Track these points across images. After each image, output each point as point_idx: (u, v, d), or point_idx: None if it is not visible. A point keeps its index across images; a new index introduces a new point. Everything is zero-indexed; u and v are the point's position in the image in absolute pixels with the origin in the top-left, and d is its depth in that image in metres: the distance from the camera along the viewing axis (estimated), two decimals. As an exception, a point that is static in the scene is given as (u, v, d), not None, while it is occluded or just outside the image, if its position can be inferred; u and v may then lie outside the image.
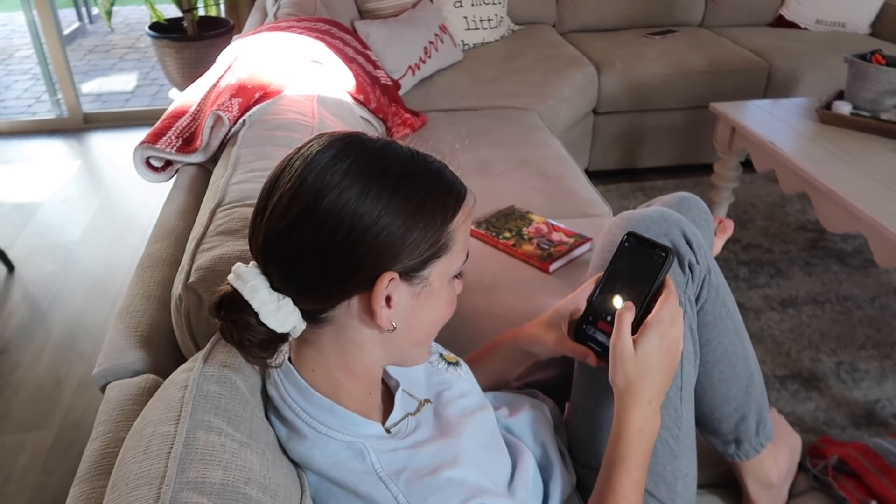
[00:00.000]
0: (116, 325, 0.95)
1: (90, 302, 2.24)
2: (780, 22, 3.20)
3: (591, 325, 0.82)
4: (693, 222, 0.91)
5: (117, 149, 3.27)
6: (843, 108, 2.14)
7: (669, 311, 0.73)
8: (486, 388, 0.96)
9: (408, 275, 0.64)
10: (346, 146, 0.63)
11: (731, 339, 0.90)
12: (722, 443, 0.98)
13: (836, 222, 1.84)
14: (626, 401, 0.75)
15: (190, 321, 0.87)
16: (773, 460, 1.00)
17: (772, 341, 2.01)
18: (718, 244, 1.37)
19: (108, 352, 0.90)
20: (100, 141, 3.36)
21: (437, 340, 0.91)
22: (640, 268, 0.77)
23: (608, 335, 0.77)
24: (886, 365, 1.93)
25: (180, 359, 0.90)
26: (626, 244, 0.79)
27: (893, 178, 1.83)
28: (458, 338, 1.03)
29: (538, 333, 0.87)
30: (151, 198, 2.82)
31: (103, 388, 0.87)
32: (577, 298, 0.84)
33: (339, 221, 0.60)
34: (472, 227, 1.63)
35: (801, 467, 1.10)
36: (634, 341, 0.73)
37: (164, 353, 0.93)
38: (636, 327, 0.75)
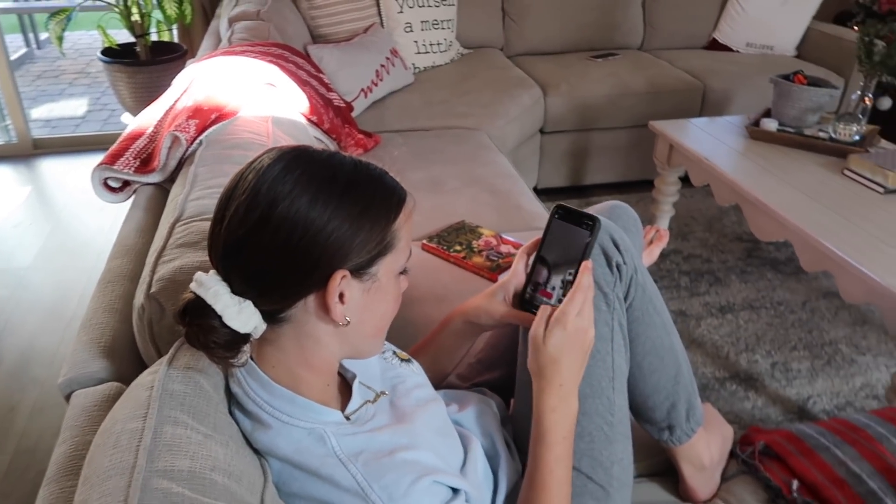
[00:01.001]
0: (80, 337, 0.98)
1: (43, 327, 2.22)
2: (714, 45, 3.39)
3: (532, 294, 0.88)
4: (622, 228, 0.99)
5: (68, 174, 3.24)
6: (770, 124, 2.29)
7: (575, 305, 0.81)
8: (438, 371, 1.03)
9: (358, 272, 0.70)
10: (294, 158, 0.69)
11: (658, 333, 0.98)
12: (656, 430, 1.06)
13: (765, 231, 1.97)
14: (539, 384, 0.83)
15: (152, 329, 0.90)
16: (704, 445, 1.08)
17: (711, 345, 2.12)
18: (655, 252, 1.46)
19: (72, 362, 0.93)
20: (50, 166, 3.33)
21: (390, 342, 0.97)
22: (571, 237, 0.85)
23: (548, 300, 0.83)
24: (817, 364, 2.05)
25: (143, 368, 0.93)
26: (557, 216, 0.86)
27: (816, 188, 1.97)
28: (413, 344, 1.09)
29: (484, 305, 0.94)
30: (105, 222, 2.81)
31: (68, 397, 0.90)
32: (518, 271, 0.91)
33: (293, 227, 0.66)
34: (425, 241, 1.70)
35: (733, 454, 1.18)
36: (545, 332, 0.81)
37: (127, 362, 0.97)
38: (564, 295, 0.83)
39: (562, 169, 2.99)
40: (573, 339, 0.81)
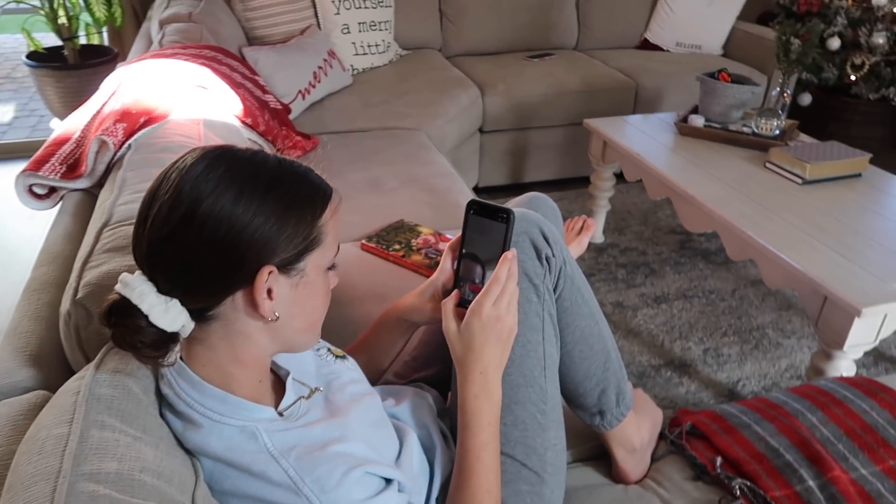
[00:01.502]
0: (4, 347, 0.96)
1: (-30, 341, 2.14)
2: (645, 45, 3.50)
3: (461, 289, 0.91)
4: (543, 216, 1.03)
5: (-5, 182, 3.12)
6: (698, 121, 2.39)
7: (491, 296, 0.84)
8: (375, 369, 1.05)
9: (285, 267, 0.71)
10: (217, 157, 0.70)
11: (587, 321, 1.02)
12: (588, 415, 1.10)
13: (694, 223, 2.05)
14: (460, 373, 0.86)
15: (80, 336, 0.89)
16: (635, 428, 1.13)
17: (648, 334, 2.19)
18: (584, 241, 1.52)
19: (-4, 372, 0.91)
20: (-26, 175, 3.20)
21: (331, 341, 0.98)
22: (490, 231, 0.88)
23: (476, 294, 0.87)
24: (746, 349, 2.15)
25: (71, 375, 0.92)
26: (472, 211, 0.89)
27: (740, 181, 2.06)
28: (353, 341, 1.10)
29: (415, 303, 0.96)
30: (35, 231, 2.71)
31: (-8, 408, 0.88)
32: (445, 268, 0.93)
33: (218, 223, 0.67)
34: (364, 241, 1.71)
35: (662, 436, 1.23)
36: (463, 322, 0.84)
37: (54, 370, 0.95)
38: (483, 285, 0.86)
39: (502, 167, 3.04)
40: (489, 328, 0.83)
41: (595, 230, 1.50)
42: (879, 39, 3.18)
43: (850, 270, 1.60)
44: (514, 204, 1.10)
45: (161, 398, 0.77)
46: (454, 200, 1.99)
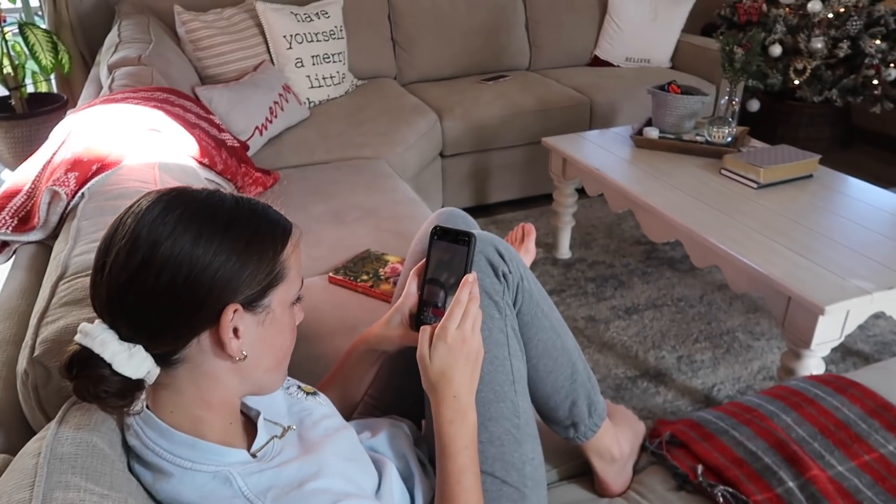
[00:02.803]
0: (-41, 411, 0.92)
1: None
2: (596, 62, 3.57)
3: (427, 315, 0.91)
4: (466, 227, 1.05)
5: (-55, 239, 3.03)
6: (652, 133, 2.43)
7: (454, 319, 0.84)
8: (347, 402, 1.03)
9: (250, 305, 0.70)
10: (172, 199, 0.69)
11: (548, 334, 1.03)
12: (562, 428, 1.10)
13: (657, 233, 2.08)
14: (434, 399, 0.86)
15: (39, 395, 0.86)
16: (613, 438, 1.13)
17: (621, 346, 2.21)
18: (531, 246, 1.55)
19: (-48, 438, 0.87)
20: (-77, 233, 3.10)
21: (304, 378, 0.96)
22: (452, 255, 0.89)
23: (440, 318, 0.87)
24: (718, 353, 2.17)
25: (32, 436, 0.88)
26: (436, 237, 0.91)
27: (697, 189, 2.10)
28: (325, 376, 1.08)
29: (383, 332, 0.96)
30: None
31: (-51, 477, 0.84)
32: (410, 293, 0.94)
33: (178, 266, 0.65)
34: (331, 273, 1.70)
35: (644, 447, 1.23)
36: (430, 349, 0.84)
37: (14, 432, 0.91)
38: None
39: (465, 190, 3.05)
40: (457, 351, 0.83)
41: (534, 233, 1.54)
42: (818, 44, 3.30)
43: (811, 270, 1.63)
44: (432, 220, 1.12)
45: (129, 451, 0.74)
46: (419, 227, 1.99)
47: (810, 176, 2.15)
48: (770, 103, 3.56)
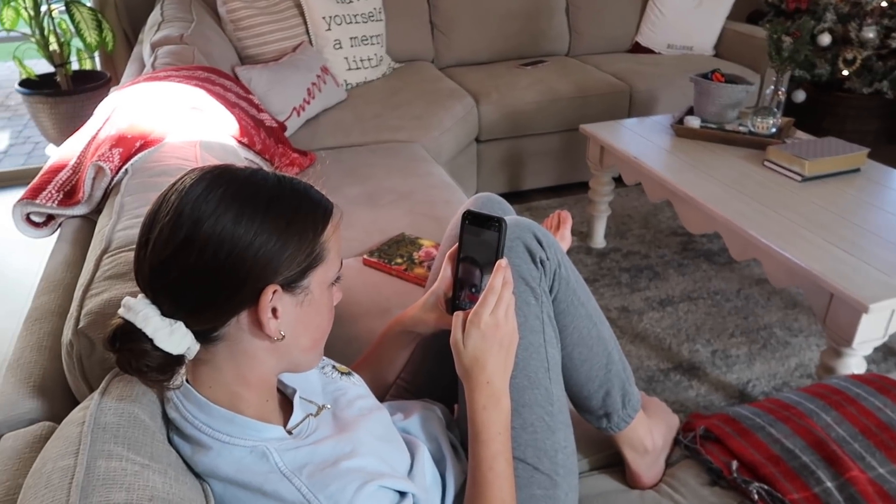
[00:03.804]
0: (7, 379, 0.94)
1: (-28, 373, 2.12)
2: (637, 48, 3.50)
3: (461, 299, 0.91)
4: (502, 212, 1.03)
5: (-9, 212, 3.11)
6: (693, 122, 2.38)
7: (488, 306, 0.84)
8: (381, 383, 1.04)
9: (289, 286, 0.70)
10: (216, 177, 0.69)
11: (584, 323, 1.02)
12: (595, 418, 1.09)
13: (695, 224, 2.04)
14: (468, 385, 0.85)
15: (83, 365, 0.88)
16: (646, 430, 1.11)
17: (654, 338, 2.18)
18: (566, 234, 1.54)
19: (0, 404, 0.90)
20: (-29, 205, 3.19)
21: (337, 359, 0.97)
22: (485, 241, 0.89)
23: (473, 304, 0.87)
24: (754, 349, 2.13)
25: (76, 405, 0.90)
26: (467, 222, 0.90)
27: (739, 180, 2.05)
28: (359, 358, 1.09)
29: (419, 315, 0.97)
30: (32, 261, 2.70)
31: (-4, 442, 0.86)
32: (445, 277, 0.94)
33: (220, 244, 0.66)
34: (366, 256, 1.70)
35: (676, 441, 1.22)
36: (463, 335, 0.84)
37: (59, 401, 0.94)
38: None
39: (499, 176, 3.03)
40: (490, 338, 0.83)
41: (570, 221, 1.53)
42: (869, 34, 3.19)
43: (855, 266, 1.59)
44: (468, 205, 1.11)
45: (168, 423, 0.76)
46: (454, 212, 1.98)
47: (858, 170, 2.08)
48: (817, 94, 3.46)
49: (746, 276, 2.51)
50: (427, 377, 1.12)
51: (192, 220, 0.66)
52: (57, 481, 0.63)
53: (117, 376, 0.78)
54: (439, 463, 0.92)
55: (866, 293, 1.48)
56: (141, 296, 0.69)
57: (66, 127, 3.18)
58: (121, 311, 0.68)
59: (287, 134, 2.42)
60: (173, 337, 0.67)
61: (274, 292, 0.69)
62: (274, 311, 0.70)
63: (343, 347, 1.39)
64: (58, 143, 3.24)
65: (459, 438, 0.99)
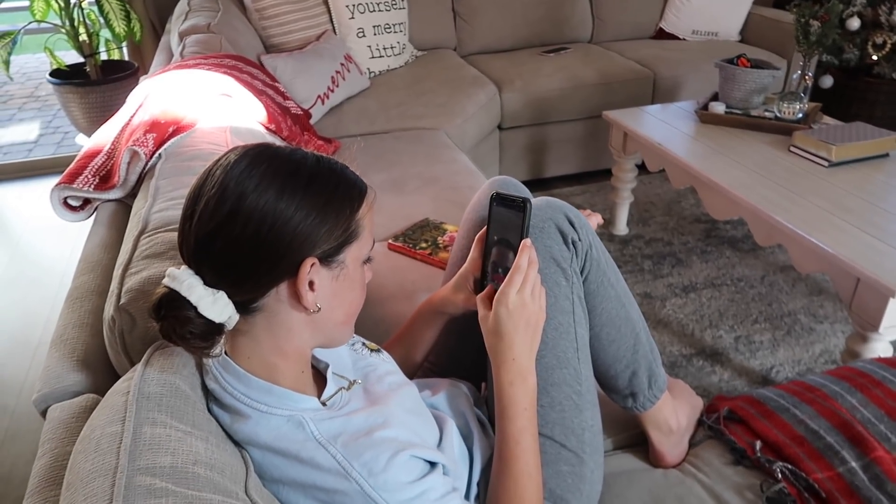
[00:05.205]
0: (51, 354, 0.98)
1: (9, 357, 2.19)
2: (661, 34, 3.48)
3: (489, 279, 0.93)
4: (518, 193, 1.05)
5: (24, 200, 3.19)
6: (718, 108, 2.37)
7: (514, 284, 0.85)
8: (410, 363, 1.07)
9: (326, 259, 0.73)
10: (258, 155, 0.72)
11: (613, 304, 1.03)
12: (621, 398, 1.10)
13: (720, 210, 2.03)
14: (494, 362, 0.88)
15: (124, 341, 0.91)
16: (671, 410, 1.13)
17: (677, 324, 2.18)
18: (591, 220, 1.54)
19: (46, 378, 0.94)
20: (4, 193, 3.27)
21: (367, 338, 1.00)
22: (511, 221, 0.91)
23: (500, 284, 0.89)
24: (778, 335, 2.13)
25: (116, 378, 0.94)
26: (495, 203, 0.92)
27: (764, 166, 2.04)
28: (386, 339, 1.12)
29: (449, 296, 0.99)
30: (65, 247, 2.77)
31: (44, 413, 0.90)
32: (474, 258, 0.96)
33: (263, 218, 0.69)
34: (391, 240, 1.73)
35: (700, 422, 1.23)
36: (491, 313, 0.86)
37: (101, 375, 0.97)
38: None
39: (522, 163, 3.04)
40: (517, 316, 0.85)
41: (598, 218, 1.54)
42: (900, 18, 3.13)
43: (883, 251, 1.58)
44: (486, 188, 1.13)
45: (207, 393, 0.79)
46: (477, 197, 2.00)
47: (886, 155, 2.06)
48: (845, 80, 3.40)
49: (771, 262, 2.49)
50: (450, 357, 1.14)
51: (237, 194, 0.69)
52: (106, 446, 0.66)
53: (158, 350, 0.81)
54: (466, 438, 0.94)
55: (894, 277, 1.48)
56: (184, 266, 0.72)
57: (96, 116, 3.24)
58: (165, 281, 0.71)
59: (312, 121, 2.45)
60: (216, 305, 0.70)
61: (312, 265, 0.71)
62: (311, 283, 0.72)
63: (370, 328, 1.41)
64: (87, 132, 3.30)
65: (487, 415, 1.01)
